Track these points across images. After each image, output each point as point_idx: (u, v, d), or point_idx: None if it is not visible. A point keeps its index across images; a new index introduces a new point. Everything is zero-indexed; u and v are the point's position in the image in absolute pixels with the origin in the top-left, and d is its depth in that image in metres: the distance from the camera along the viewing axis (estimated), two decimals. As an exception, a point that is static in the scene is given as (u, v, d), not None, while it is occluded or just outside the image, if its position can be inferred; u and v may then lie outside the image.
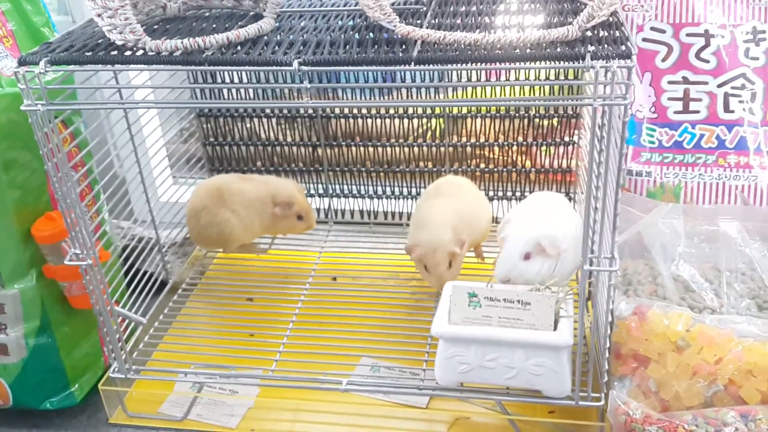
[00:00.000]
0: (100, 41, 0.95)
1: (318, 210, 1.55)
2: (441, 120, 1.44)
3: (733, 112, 1.19)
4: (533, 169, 1.46)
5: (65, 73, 0.99)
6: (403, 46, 0.91)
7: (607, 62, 0.83)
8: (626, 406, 0.96)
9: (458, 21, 0.98)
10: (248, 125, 1.51)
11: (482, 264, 1.36)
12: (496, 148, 1.46)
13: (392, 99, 1.50)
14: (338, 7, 1.09)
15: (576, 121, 1.39)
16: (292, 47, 0.94)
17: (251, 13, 1.09)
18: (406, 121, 1.45)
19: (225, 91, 1.49)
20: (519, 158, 1.46)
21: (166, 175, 1.44)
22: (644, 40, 1.21)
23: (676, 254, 1.12)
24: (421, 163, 1.50)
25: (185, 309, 1.35)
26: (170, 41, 0.91)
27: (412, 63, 0.87)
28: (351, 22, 1.02)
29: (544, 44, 0.88)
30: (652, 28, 1.21)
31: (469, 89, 1.45)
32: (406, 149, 1.48)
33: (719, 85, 1.19)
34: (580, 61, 0.84)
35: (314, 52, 0.91)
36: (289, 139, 1.52)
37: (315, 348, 1.20)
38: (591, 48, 0.84)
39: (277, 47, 0.94)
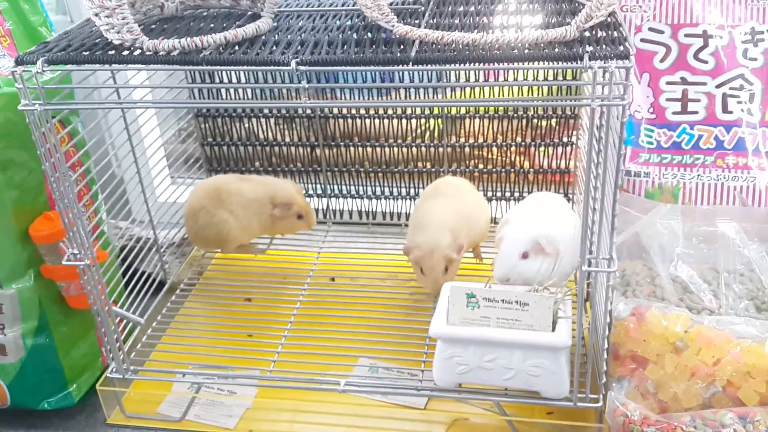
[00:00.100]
0: (97, 41, 0.95)
1: (316, 210, 1.54)
2: (439, 120, 1.44)
3: (731, 112, 1.19)
4: (532, 170, 1.46)
5: (63, 73, 0.98)
6: (401, 46, 0.91)
7: (605, 63, 0.83)
8: (624, 408, 0.96)
9: (456, 21, 0.98)
10: (246, 125, 1.51)
11: (481, 264, 1.36)
12: (495, 149, 1.45)
13: (390, 99, 1.50)
14: (336, 6, 1.09)
15: (574, 121, 1.39)
16: (289, 47, 0.93)
17: (249, 12, 1.09)
18: (404, 121, 1.45)
19: (223, 91, 1.49)
20: (517, 159, 1.46)
21: (164, 175, 1.44)
22: (642, 40, 1.21)
23: (675, 255, 1.11)
24: (420, 164, 1.50)
25: (183, 309, 1.35)
26: (168, 41, 0.91)
27: (410, 63, 0.87)
28: (349, 22, 1.02)
29: (542, 44, 0.88)
30: (651, 29, 1.21)
31: (468, 90, 1.45)
32: (405, 149, 1.48)
33: (717, 86, 1.19)
34: (579, 62, 0.84)
35: (312, 52, 0.91)
36: (287, 139, 1.52)
37: (313, 348, 1.20)
38: (589, 48, 0.84)
39: (274, 47, 0.93)
